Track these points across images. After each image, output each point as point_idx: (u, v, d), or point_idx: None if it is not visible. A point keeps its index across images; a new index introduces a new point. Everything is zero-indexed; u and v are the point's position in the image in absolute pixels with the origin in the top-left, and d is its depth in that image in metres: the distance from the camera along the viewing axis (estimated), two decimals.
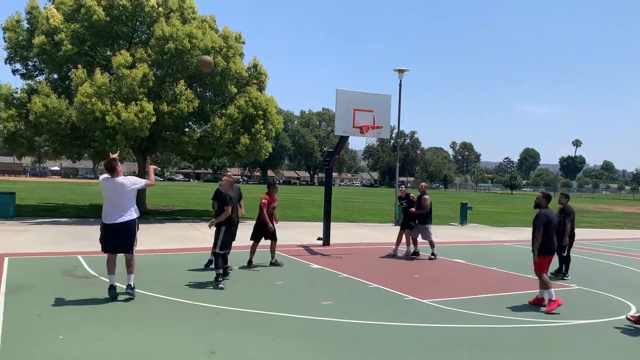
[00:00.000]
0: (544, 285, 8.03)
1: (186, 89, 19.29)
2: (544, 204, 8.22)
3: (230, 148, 20.65)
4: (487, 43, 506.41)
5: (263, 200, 10.71)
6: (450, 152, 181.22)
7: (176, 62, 19.45)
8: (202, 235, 15.50)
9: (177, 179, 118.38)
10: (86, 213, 21.68)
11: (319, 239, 14.76)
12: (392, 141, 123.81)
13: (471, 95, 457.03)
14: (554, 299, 7.80)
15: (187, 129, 21.36)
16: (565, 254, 10.88)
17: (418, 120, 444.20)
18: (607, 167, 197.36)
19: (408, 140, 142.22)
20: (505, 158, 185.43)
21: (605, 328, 7.04)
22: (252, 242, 10.88)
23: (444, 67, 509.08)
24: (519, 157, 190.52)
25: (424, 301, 8.16)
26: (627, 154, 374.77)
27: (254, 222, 11.08)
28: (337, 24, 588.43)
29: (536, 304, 8.11)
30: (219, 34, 21.55)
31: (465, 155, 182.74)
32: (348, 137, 14.42)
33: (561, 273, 10.94)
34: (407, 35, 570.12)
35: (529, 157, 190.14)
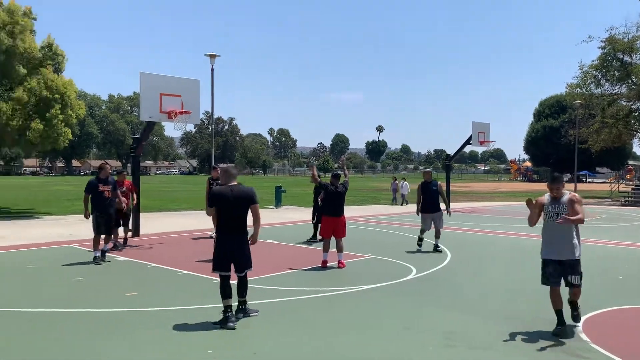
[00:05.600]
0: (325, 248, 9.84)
1: None
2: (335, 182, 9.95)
3: (20, 136, 18.41)
4: (301, 34, 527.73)
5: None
6: (269, 138, 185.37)
7: None
8: None
9: None
10: None
11: None
12: (210, 127, 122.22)
13: (288, 83, 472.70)
14: (324, 259, 9.71)
15: None
16: (314, 221, 13.15)
17: (236, 107, 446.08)
18: (405, 150, 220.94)
19: (227, 127, 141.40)
20: (319, 143, 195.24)
21: (390, 289, 7.99)
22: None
23: (260, 55, 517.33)
24: (331, 142, 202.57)
25: (235, 282, 8.31)
26: (421, 138, 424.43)
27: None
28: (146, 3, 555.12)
29: (340, 267, 9.63)
30: (2, 7, 18.91)
31: (283, 141, 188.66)
32: (155, 122, 13.93)
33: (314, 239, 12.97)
34: (225, 19, 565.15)
35: (340, 142, 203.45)
